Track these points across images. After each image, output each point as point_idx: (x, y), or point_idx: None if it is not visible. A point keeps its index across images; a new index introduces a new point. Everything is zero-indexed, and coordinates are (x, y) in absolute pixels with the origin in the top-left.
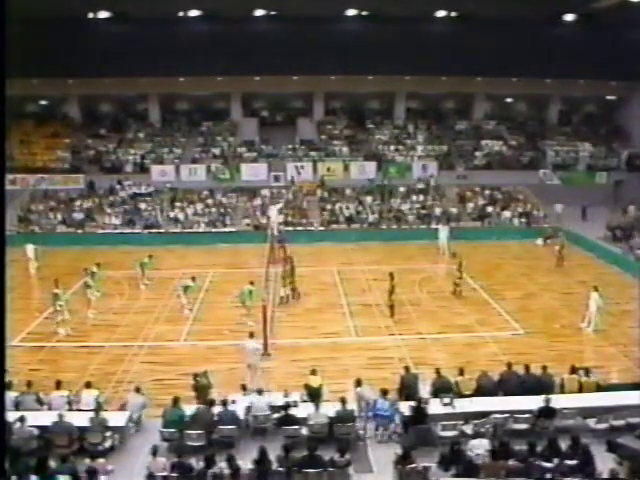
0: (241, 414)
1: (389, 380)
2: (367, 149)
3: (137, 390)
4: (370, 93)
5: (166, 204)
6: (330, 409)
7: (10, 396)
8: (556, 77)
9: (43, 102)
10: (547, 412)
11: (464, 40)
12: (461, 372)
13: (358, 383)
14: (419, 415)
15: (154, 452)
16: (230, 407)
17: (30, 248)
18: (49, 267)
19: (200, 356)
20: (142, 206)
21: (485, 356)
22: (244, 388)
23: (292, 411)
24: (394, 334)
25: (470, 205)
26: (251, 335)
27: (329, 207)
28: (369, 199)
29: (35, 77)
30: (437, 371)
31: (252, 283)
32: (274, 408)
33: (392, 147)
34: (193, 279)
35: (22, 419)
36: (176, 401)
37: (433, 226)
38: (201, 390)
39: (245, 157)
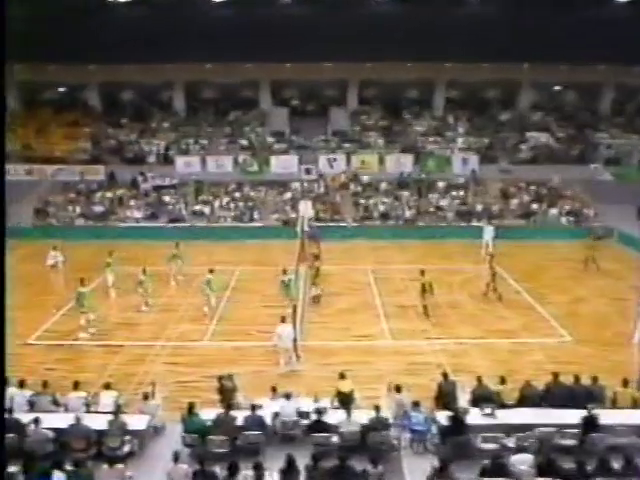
0: (268, 420)
1: (425, 387)
2: (404, 141)
3: (145, 397)
4: (407, 81)
5: (191, 197)
6: (363, 416)
7: (24, 395)
8: (609, 63)
9: (62, 89)
10: (590, 424)
11: (509, 24)
12: (503, 381)
13: (397, 389)
14: (457, 426)
15: (175, 458)
16: (257, 412)
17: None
18: (67, 262)
19: (225, 357)
20: (166, 199)
21: (529, 364)
22: (274, 390)
23: (322, 418)
24: (432, 338)
25: (514, 202)
26: (283, 319)
27: (363, 202)
28: (405, 194)
29: (53, 63)
30: (478, 379)
31: (212, 271)
32: (303, 414)
33: (430, 139)
34: (211, 271)
35: (37, 421)
36: (191, 407)
37: (474, 224)
38: (226, 393)
39: (275, 149)
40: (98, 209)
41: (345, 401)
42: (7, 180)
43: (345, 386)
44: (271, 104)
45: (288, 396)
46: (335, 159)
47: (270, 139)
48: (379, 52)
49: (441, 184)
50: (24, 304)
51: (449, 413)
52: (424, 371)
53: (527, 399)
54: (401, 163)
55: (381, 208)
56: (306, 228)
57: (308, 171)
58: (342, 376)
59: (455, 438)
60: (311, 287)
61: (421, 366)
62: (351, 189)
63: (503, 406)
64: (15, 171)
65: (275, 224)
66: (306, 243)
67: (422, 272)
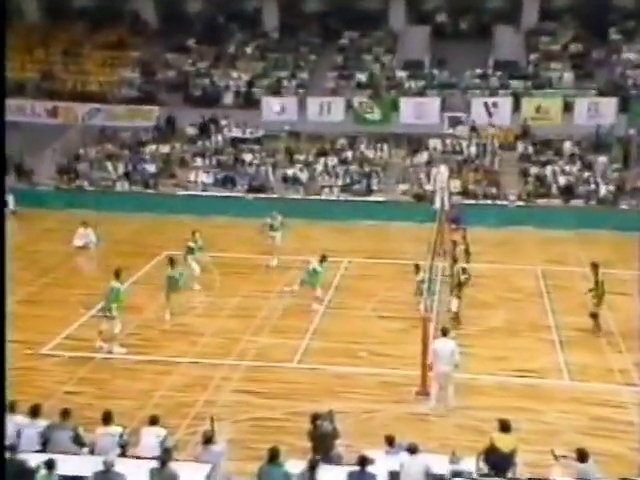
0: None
1: (624, 458)
2: (605, 76)
3: (206, 439)
4: None
5: (282, 156)
6: None
7: (36, 427)
8: None
9: None
10: None
11: None
12: None
13: (580, 456)
14: None
15: None
16: (367, 468)
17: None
18: (103, 243)
19: (323, 388)
20: (246, 158)
21: None
22: (391, 440)
23: None
24: (635, 384)
25: None
26: (444, 332)
27: (535, 170)
28: (602, 160)
29: None
30: None
31: (323, 259)
32: (434, 477)
33: None
34: (323, 260)
35: (50, 464)
36: (274, 455)
37: None
38: (322, 440)
39: (407, 88)
40: (149, 169)
41: (501, 464)
42: (21, 122)
43: (505, 442)
44: (405, 21)
45: (413, 450)
46: (496, 104)
47: (401, 73)
48: None
49: None
50: (39, 299)
51: None
52: (622, 433)
53: None
54: (599, 111)
55: (562, 180)
56: (447, 206)
57: (455, 121)
58: (504, 426)
59: None
60: (450, 297)
61: (617, 424)
62: (518, 150)
63: None
64: (32, 110)
65: (402, 198)
66: (446, 229)
67: (594, 266)
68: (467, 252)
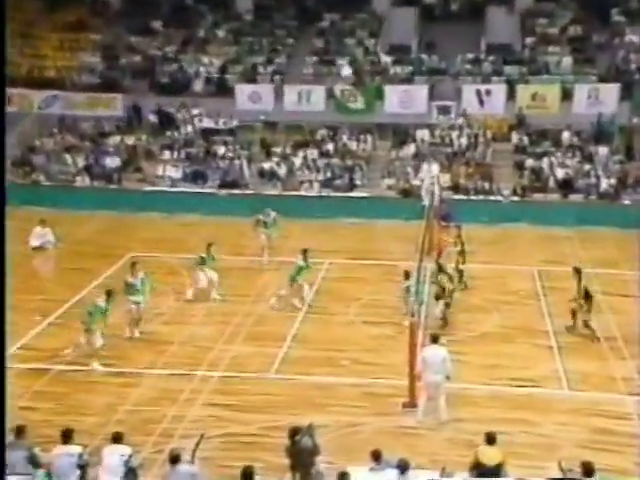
0: None
1: (628, 474)
2: (606, 61)
3: (173, 460)
4: None
5: (258, 149)
6: None
7: None
8: None
9: None
10: None
11: None
12: None
13: (586, 471)
14: None
15: None
16: None
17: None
18: (62, 244)
19: (302, 400)
20: (219, 151)
21: None
22: (376, 458)
23: None
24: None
25: None
26: (434, 339)
27: (531, 163)
28: (603, 151)
29: None
30: None
31: (305, 254)
32: None
33: None
34: (304, 253)
35: None
36: (249, 474)
37: None
38: (301, 456)
39: (392, 74)
40: (112, 163)
41: (489, 478)
42: None
43: (491, 455)
44: (389, 2)
45: (403, 467)
46: (489, 92)
47: (386, 59)
48: None
49: None
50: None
51: None
52: (626, 446)
53: None
54: (600, 99)
55: (560, 173)
56: (436, 202)
57: (444, 110)
58: (489, 439)
59: None
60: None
61: (620, 437)
62: (513, 141)
63: None
64: None
65: (388, 194)
66: (435, 227)
67: (577, 270)
68: (462, 253)
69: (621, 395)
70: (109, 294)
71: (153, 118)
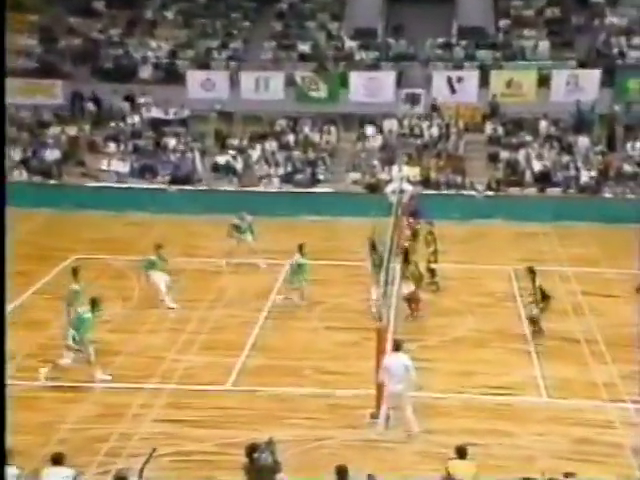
0: None
1: None
2: (586, 45)
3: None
4: None
5: (212, 141)
6: None
7: None
8: None
9: None
10: None
11: None
12: None
13: None
14: None
15: None
16: None
17: None
18: None
19: (261, 413)
20: (169, 143)
21: None
22: (341, 471)
23: None
24: (623, 400)
25: None
26: (397, 346)
27: (506, 155)
28: (583, 141)
29: None
30: None
31: (302, 249)
32: None
33: (637, 41)
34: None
35: None
36: None
37: None
38: (260, 474)
39: (357, 60)
40: (51, 155)
41: None
42: None
43: (462, 469)
44: None
45: None
46: (461, 78)
47: (350, 43)
48: None
49: None
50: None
51: None
52: (608, 457)
53: None
54: (579, 86)
55: (537, 166)
56: (405, 198)
57: (413, 99)
58: (460, 453)
59: None
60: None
61: (603, 447)
62: (487, 132)
63: None
64: None
65: (353, 189)
66: (404, 224)
67: (531, 270)
68: (435, 252)
69: (603, 402)
70: (94, 304)
71: (95, 107)
